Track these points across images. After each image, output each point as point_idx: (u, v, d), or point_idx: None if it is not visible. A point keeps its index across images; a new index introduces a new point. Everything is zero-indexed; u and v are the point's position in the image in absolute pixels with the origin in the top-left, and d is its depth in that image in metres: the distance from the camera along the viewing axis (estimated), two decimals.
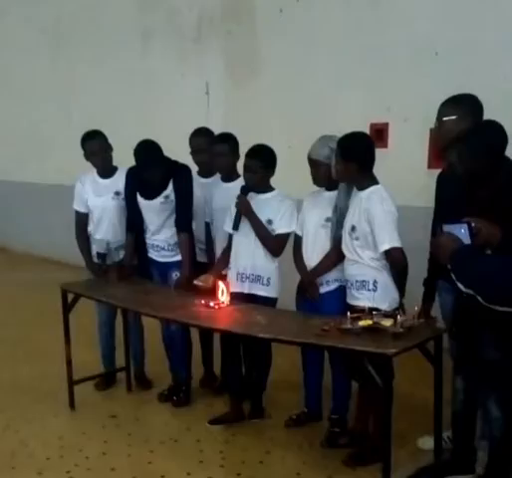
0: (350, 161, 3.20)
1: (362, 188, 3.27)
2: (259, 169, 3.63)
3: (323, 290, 3.53)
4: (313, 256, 3.56)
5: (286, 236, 3.68)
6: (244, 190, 3.66)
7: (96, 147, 4.15)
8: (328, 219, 3.48)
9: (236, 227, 3.68)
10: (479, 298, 2.36)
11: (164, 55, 7.03)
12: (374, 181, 3.27)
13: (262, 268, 3.69)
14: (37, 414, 4.02)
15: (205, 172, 4.18)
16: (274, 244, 3.67)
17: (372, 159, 3.26)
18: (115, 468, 3.35)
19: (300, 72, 5.69)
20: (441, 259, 2.54)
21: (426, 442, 3.38)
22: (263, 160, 3.65)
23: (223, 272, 3.84)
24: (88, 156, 4.20)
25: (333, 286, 3.52)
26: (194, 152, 4.17)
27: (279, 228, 3.66)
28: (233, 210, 3.69)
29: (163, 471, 3.30)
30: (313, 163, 3.49)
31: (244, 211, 3.64)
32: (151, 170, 3.83)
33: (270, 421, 3.85)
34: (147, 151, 3.85)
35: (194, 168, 4.19)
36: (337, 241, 3.44)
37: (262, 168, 3.64)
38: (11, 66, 9.44)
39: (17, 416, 3.99)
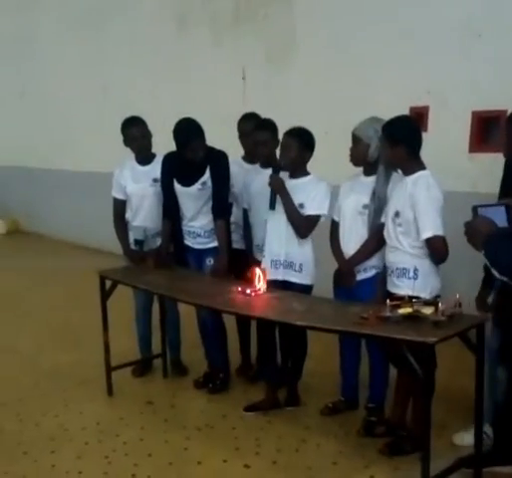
0: (397, 146, 3.13)
1: (408, 173, 3.18)
2: (295, 148, 3.57)
3: (360, 277, 3.48)
4: (349, 243, 3.51)
5: (315, 218, 3.62)
6: (276, 169, 3.62)
7: (137, 133, 4.15)
8: (365, 206, 3.42)
9: (273, 206, 3.63)
10: None
11: (200, 39, 6.98)
12: (421, 166, 3.18)
13: (294, 254, 3.65)
14: (76, 400, 4.07)
15: (251, 157, 4.14)
16: (302, 225, 3.61)
17: (419, 143, 3.18)
18: (151, 454, 3.36)
19: (338, 55, 5.59)
20: (475, 244, 2.44)
21: (462, 438, 3.30)
22: (301, 140, 3.59)
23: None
24: (128, 142, 4.19)
25: (370, 273, 3.47)
26: (242, 137, 4.14)
27: (309, 210, 3.60)
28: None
29: (200, 458, 3.31)
30: (354, 139, 3.43)
31: (276, 188, 3.59)
32: (194, 146, 3.76)
33: (305, 409, 3.83)
34: (189, 127, 3.81)
35: (240, 153, 4.17)
36: (375, 229, 3.38)
37: (298, 148, 3.58)
38: (45, 54, 9.53)
39: (56, 401, 4.05)
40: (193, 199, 3.96)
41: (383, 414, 3.56)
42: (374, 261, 3.45)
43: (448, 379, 3.82)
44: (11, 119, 10.62)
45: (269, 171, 3.84)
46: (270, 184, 3.61)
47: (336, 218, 3.60)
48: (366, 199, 3.42)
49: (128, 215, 4.31)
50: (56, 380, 4.37)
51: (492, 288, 3.21)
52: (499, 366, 3.01)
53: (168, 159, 4.03)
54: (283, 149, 3.62)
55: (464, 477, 2.97)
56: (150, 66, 7.70)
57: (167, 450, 3.41)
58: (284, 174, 3.66)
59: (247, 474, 3.15)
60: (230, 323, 4.23)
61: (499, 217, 2.36)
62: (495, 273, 2.37)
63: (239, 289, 3.45)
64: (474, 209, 2.48)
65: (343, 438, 3.47)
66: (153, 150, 4.27)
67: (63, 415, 3.85)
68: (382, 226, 3.34)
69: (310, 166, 3.69)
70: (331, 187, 3.63)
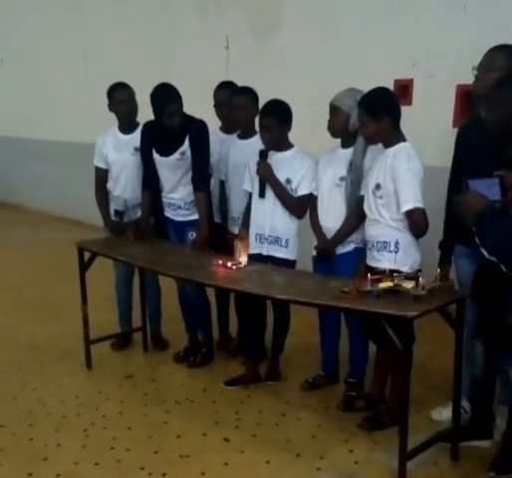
0: (381, 118, 3.07)
1: (389, 145, 3.14)
2: (275, 127, 3.51)
3: (338, 251, 3.46)
4: (328, 217, 3.48)
5: (308, 197, 3.59)
6: (263, 155, 3.56)
7: (125, 96, 4.07)
8: (342, 178, 3.38)
9: (262, 194, 3.60)
10: (502, 266, 2.23)
11: (183, 8, 6.84)
12: (401, 138, 3.14)
13: (281, 229, 3.61)
14: (54, 373, 4.03)
15: (228, 127, 4.07)
16: (297, 207, 3.59)
17: (400, 114, 3.14)
18: (131, 427, 3.35)
19: (323, 26, 5.50)
20: (466, 220, 2.41)
21: (440, 413, 3.33)
22: (278, 117, 3.52)
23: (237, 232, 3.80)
24: (115, 106, 4.09)
25: (348, 248, 3.44)
26: (218, 106, 4.07)
27: (300, 190, 3.57)
28: (253, 169, 3.61)
29: (179, 431, 3.30)
30: (333, 109, 3.38)
31: (265, 176, 3.55)
32: (170, 110, 3.66)
33: (286, 384, 3.83)
34: (165, 91, 3.72)
35: (217, 124, 4.10)
36: (353, 202, 3.35)
37: (278, 125, 3.52)
38: (24, 20, 9.30)
39: (34, 374, 4.01)
40: (172, 169, 3.88)
41: (362, 389, 3.57)
42: (352, 235, 3.42)
43: (428, 355, 3.85)
44: None
45: (246, 142, 3.81)
46: (258, 172, 3.56)
47: (315, 193, 3.56)
48: (343, 172, 3.38)
49: (110, 185, 4.23)
50: (34, 354, 4.33)
51: (450, 264, 3.25)
52: (476, 341, 3.02)
53: (147, 128, 3.94)
54: (262, 130, 3.55)
55: (442, 451, 2.99)
56: (133, 34, 7.54)
57: (147, 424, 3.39)
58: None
59: (227, 447, 3.15)
60: (210, 296, 4.20)
61: (491, 190, 2.31)
62: (484, 253, 2.34)
63: (220, 262, 3.41)
64: (465, 183, 2.44)
65: (322, 412, 3.48)
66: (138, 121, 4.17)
67: (41, 389, 3.82)
68: (360, 200, 3.30)
69: (294, 139, 3.63)
70: (316, 161, 3.58)
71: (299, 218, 3.63)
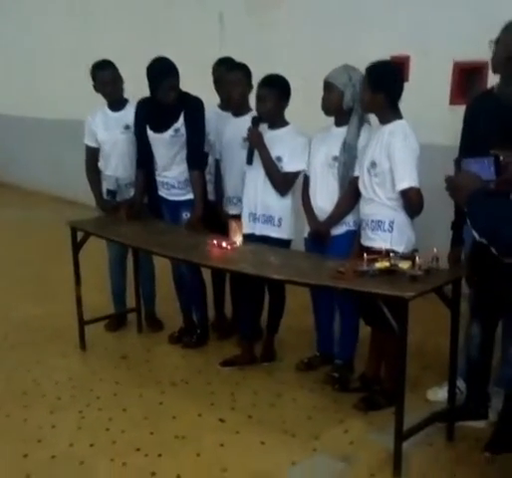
0: (378, 92, 3.03)
1: (385, 122, 3.09)
2: (272, 98, 3.46)
3: (331, 233, 3.42)
4: (320, 197, 3.44)
5: (294, 175, 3.54)
6: (255, 121, 3.50)
7: (107, 77, 3.99)
8: (335, 158, 3.33)
9: (250, 161, 3.54)
10: (493, 249, 2.19)
11: None
12: (398, 115, 3.10)
13: (274, 208, 3.57)
14: (48, 354, 4.01)
15: (226, 105, 4.00)
16: (281, 182, 3.53)
17: (400, 91, 3.09)
18: (126, 409, 3.34)
19: (319, 2, 5.39)
20: (458, 201, 2.36)
21: (435, 393, 3.32)
22: (276, 89, 3.47)
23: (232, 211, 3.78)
24: (98, 87, 4.02)
25: (340, 230, 3.41)
26: (217, 82, 4.01)
27: (287, 166, 3.51)
28: (246, 143, 3.55)
29: (175, 412, 3.29)
30: (327, 87, 3.32)
31: (254, 143, 3.49)
32: (166, 84, 3.60)
33: (281, 364, 3.82)
34: (161, 65, 3.65)
35: (216, 101, 4.06)
36: (345, 183, 3.30)
37: (275, 97, 3.46)
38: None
39: (28, 355, 3.99)
40: (166, 147, 3.81)
41: (351, 371, 3.57)
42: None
43: (423, 335, 3.84)
44: None
45: (241, 120, 3.75)
46: (248, 138, 3.50)
47: (307, 173, 3.52)
48: (336, 151, 3.33)
49: (101, 164, 4.17)
50: (27, 334, 4.31)
51: (462, 245, 3.18)
52: (473, 322, 3.01)
53: (142, 105, 3.87)
54: (259, 100, 3.49)
55: (437, 431, 2.99)
56: (124, 9, 7.40)
57: (142, 405, 3.38)
58: (262, 126, 3.54)
59: (222, 428, 3.14)
60: (205, 277, 4.16)
61: (485, 170, 2.22)
62: (475, 235, 2.30)
63: (215, 242, 3.38)
64: (457, 162, 2.38)
65: (318, 393, 3.47)
66: (127, 97, 4.11)
67: (35, 370, 3.80)
68: (354, 181, 3.26)
69: (287, 115, 3.58)
70: (309, 140, 3.53)
71: (281, 194, 3.55)
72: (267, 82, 3.47)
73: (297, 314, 4.13)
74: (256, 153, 3.52)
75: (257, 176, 3.55)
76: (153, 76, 3.63)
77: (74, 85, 7.98)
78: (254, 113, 3.60)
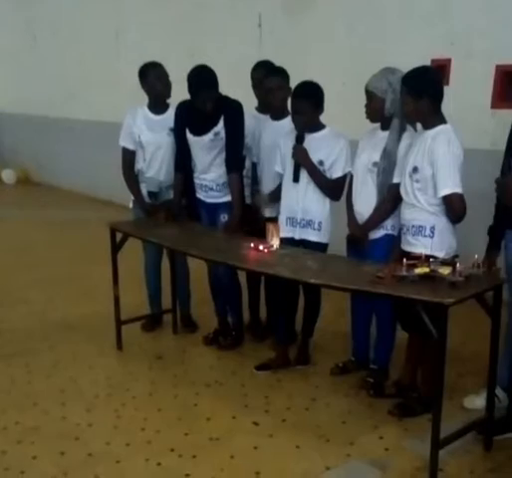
0: (420, 99, 2.99)
1: (429, 127, 3.05)
2: (308, 110, 3.45)
3: (369, 237, 3.41)
4: (359, 202, 3.43)
5: (343, 179, 3.54)
6: (299, 139, 3.50)
7: (161, 73, 4.02)
8: (375, 163, 3.31)
9: (297, 178, 3.54)
10: None
11: None
12: (442, 120, 3.05)
13: (314, 212, 3.56)
14: (85, 353, 4.06)
15: (264, 108, 4.00)
16: (333, 189, 3.54)
17: (441, 95, 3.04)
18: (161, 409, 3.36)
19: (358, 3, 5.37)
20: (508, 202, 2.32)
21: (473, 401, 3.27)
22: (311, 100, 3.46)
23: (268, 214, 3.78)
24: (149, 83, 4.02)
25: (378, 234, 3.38)
26: (255, 86, 4.00)
27: (335, 172, 3.52)
28: (283, 149, 3.57)
29: (209, 414, 3.30)
30: (368, 95, 3.30)
31: (301, 160, 3.50)
32: (203, 96, 3.63)
33: (316, 368, 3.80)
34: (200, 76, 3.68)
35: (254, 103, 4.06)
36: (384, 190, 3.28)
37: (310, 108, 3.46)
38: (57, 3, 9.30)
39: (66, 354, 4.05)
40: (205, 150, 3.84)
41: (386, 376, 3.55)
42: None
43: (460, 341, 3.78)
44: (23, 66, 10.44)
45: (279, 123, 3.76)
46: (293, 156, 3.50)
47: (351, 172, 3.52)
48: (377, 156, 3.31)
49: (142, 166, 4.18)
50: (65, 333, 4.37)
51: (498, 250, 3.13)
52: None
53: (182, 108, 3.89)
54: (295, 113, 3.50)
55: (474, 440, 2.95)
56: (164, 13, 7.47)
57: (177, 405, 3.40)
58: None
59: (256, 431, 3.14)
60: (240, 279, 4.17)
61: None
62: None
63: (252, 245, 3.38)
64: (508, 163, 2.33)
65: (352, 398, 3.45)
66: (169, 102, 4.13)
67: (72, 368, 3.85)
68: (393, 187, 3.24)
69: (328, 120, 3.57)
70: (349, 142, 3.51)
71: (336, 200, 3.58)
72: (302, 93, 3.46)
73: (331, 318, 4.11)
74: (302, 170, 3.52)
75: (299, 189, 3.55)
76: (193, 86, 3.66)
77: (110, 87, 8.13)
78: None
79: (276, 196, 3.71)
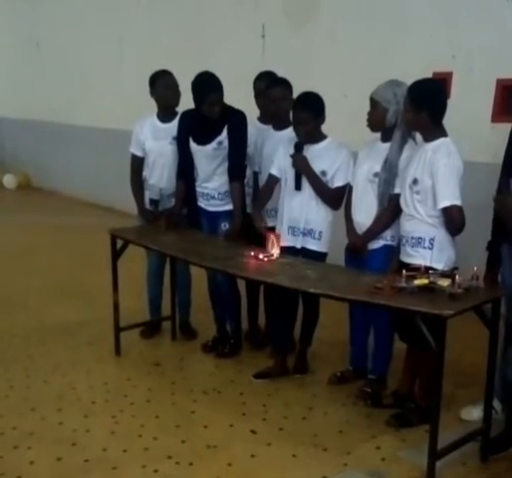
0: (421, 110, 3.01)
1: (429, 140, 3.08)
2: (309, 121, 3.48)
3: (369, 247, 3.42)
4: (359, 212, 3.45)
5: (343, 189, 3.56)
6: (298, 147, 3.52)
7: (170, 81, 4.06)
8: (376, 174, 3.33)
9: (299, 187, 3.57)
10: None
11: None
12: (443, 133, 3.08)
13: (315, 222, 3.59)
14: (83, 359, 4.07)
15: (266, 118, 4.03)
16: (334, 199, 3.57)
17: (443, 109, 3.07)
18: (159, 416, 3.37)
19: (361, 15, 5.41)
20: (507, 222, 2.34)
21: (470, 413, 3.27)
22: (312, 111, 3.48)
23: (270, 224, 3.79)
24: (159, 90, 4.06)
25: (377, 245, 3.40)
26: (257, 96, 4.03)
27: (336, 181, 3.54)
28: (281, 154, 3.60)
29: (207, 421, 3.30)
30: (372, 103, 3.33)
31: (301, 168, 3.52)
32: (211, 100, 3.66)
33: (314, 377, 3.82)
34: (207, 80, 3.71)
35: (258, 113, 4.08)
36: (384, 200, 3.30)
37: (311, 119, 3.48)
38: (60, 10, 9.35)
39: (64, 360, 4.05)
40: (208, 159, 3.87)
41: (383, 386, 3.56)
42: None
43: (458, 353, 3.78)
44: (26, 71, 10.48)
45: (281, 133, 3.78)
46: (293, 165, 3.53)
47: (352, 184, 3.53)
48: (378, 167, 3.33)
49: (146, 173, 4.23)
50: (64, 339, 4.37)
51: (499, 267, 3.14)
52: (509, 346, 2.96)
53: (185, 116, 3.93)
54: (297, 123, 3.52)
55: (471, 451, 2.95)
56: (168, 22, 7.52)
57: (174, 412, 3.41)
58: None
59: (253, 439, 3.15)
60: (239, 288, 4.18)
61: None
62: None
63: (252, 254, 3.40)
64: (506, 182, 2.34)
65: (350, 407, 3.46)
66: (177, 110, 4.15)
67: (71, 374, 3.86)
68: (394, 198, 3.26)
69: (330, 132, 3.60)
70: (350, 152, 3.54)
71: (335, 210, 3.61)
72: (302, 105, 3.48)
73: (329, 327, 4.13)
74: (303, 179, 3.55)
75: (302, 198, 3.58)
76: (198, 91, 3.69)
77: (112, 94, 8.17)
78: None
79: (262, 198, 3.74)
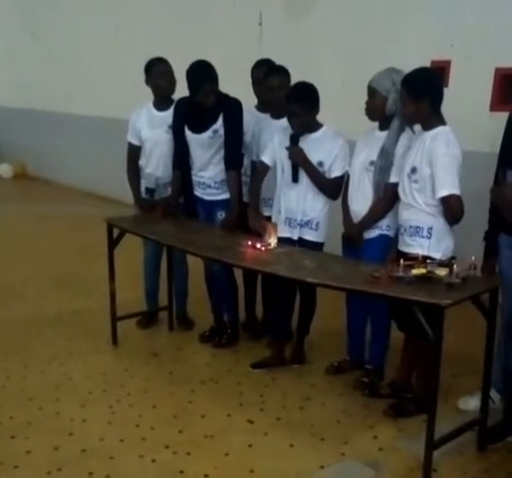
0: (421, 100, 2.98)
1: (428, 128, 3.05)
2: (303, 113, 3.45)
3: (365, 236, 3.41)
4: (355, 201, 3.43)
5: (341, 179, 3.54)
6: (294, 139, 3.50)
7: (165, 69, 4.02)
8: (372, 162, 3.31)
9: (296, 179, 3.55)
10: None
11: None
12: (441, 122, 3.05)
13: (312, 213, 3.57)
14: (80, 349, 4.06)
15: (264, 106, 4.00)
16: (332, 189, 3.55)
17: (441, 97, 3.04)
18: (156, 406, 3.36)
19: (359, 3, 5.37)
20: (504, 213, 2.32)
21: (467, 403, 3.28)
22: (306, 103, 3.45)
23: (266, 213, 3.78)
24: (154, 78, 4.02)
25: (373, 234, 3.39)
26: (255, 84, 4.00)
27: (333, 172, 3.52)
28: (276, 142, 3.58)
29: (204, 411, 3.30)
30: (370, 92, 3.29)
31: (298, 160, 3.50)
32: (205, 89, 3.63)
33: (311, 367, 3.81)
34: (202, 69, 3.68)
35: (255, 101, 4.05)
36: (380, 189, 3.29)
37: (306, 110, 3.45)
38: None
39: (61, 350, 4.05)
40: (204, 147, 3.84)
41: (381, 376, 3.56)
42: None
43: (456, 343, 3.78)
44: (22, 60, 10.41)
45: (279, 122, 3.76)
46: (290, 157, 3.51)
47: (348, 172, 3.52)
48: (374, 156, 3.31)
49: (142, 162, 4.20)
50: (60, 329, 4.37)
51: (496, 256, 3.13)
52: (509, 335, 2.96)
53: (181, 104, 3.89)
54: (292, 116, 3.49)
55: (468, 441, 2.95)
56: (166, 9, 7.46)
57: (172, 402, 3.41)
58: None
59: (251, 429, 3.15)
60: (237, 277, 4.17)
61: None
62: None
63: (249, 243, 3.38)
64: (502, 173, 2.33)
65: (347, 397, 3.46)
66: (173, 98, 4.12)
67: (67, 364, 3.85)
68: (390, 187, 3.24)
69: (327, 120, 3.57)
70: (346, 141, 3.52)
71: (334, 200, 3.59)
72: (297, 97, 3.44)
73: (327, 317, 4.12)
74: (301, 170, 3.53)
75: (299, 190, 3.56)
76: (193, 80, 3.65)
77: (110, 82, 8.12)
78: None
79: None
